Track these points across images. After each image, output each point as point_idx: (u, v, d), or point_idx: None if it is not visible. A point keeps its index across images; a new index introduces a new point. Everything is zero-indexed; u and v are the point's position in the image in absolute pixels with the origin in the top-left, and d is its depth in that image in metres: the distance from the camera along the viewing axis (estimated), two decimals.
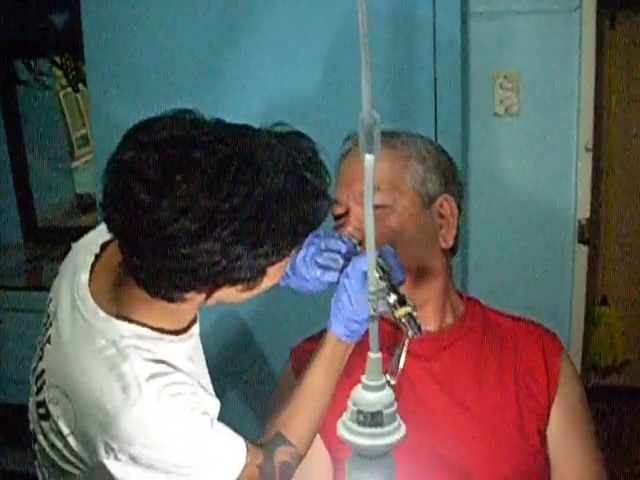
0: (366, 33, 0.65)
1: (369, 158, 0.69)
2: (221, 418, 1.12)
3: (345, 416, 0.74)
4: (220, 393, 1.92)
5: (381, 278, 1.11)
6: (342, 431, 0.74)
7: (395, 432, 0.74)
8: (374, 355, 0.73)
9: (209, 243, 0.92)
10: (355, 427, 0.73)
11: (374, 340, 0.73)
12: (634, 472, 2.85)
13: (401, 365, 1.20)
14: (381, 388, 0.73)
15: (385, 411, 0.73)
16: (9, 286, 2.41)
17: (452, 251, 1.36)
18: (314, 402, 1.17)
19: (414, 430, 1.23)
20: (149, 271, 0.97)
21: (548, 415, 1.31)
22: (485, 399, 1.28)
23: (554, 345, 1.36)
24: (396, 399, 1.22)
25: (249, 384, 1.93)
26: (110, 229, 0.99)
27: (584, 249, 2.36)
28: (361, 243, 1.25)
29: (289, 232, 1.00)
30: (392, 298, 1.10)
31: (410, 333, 1.11)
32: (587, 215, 2.33)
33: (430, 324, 1.33)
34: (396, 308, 1.10)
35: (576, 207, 2.32)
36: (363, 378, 0.73)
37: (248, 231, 0.94)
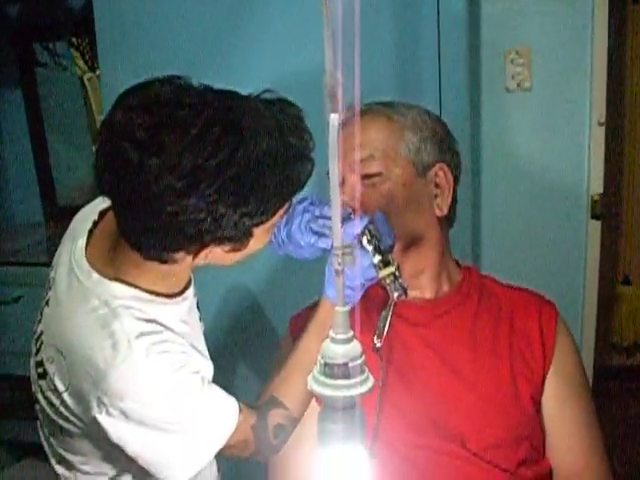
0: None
1: (333, 117, 0.71)
2: (227, 387, 1.15)
3: (315, 369, 0.77)
4: (229, 364, 1.96)
5: (369, 241, 1.14)
6: (312, 384, 0.76)
7: (362, 384, 0.75)
8: (341, 309, 0.75)
9: (194, 200, 0.95)
10: (323, 379, 0.75)
11: (340, 294, 0.75)
12: None
13: (387, 327, 1.22)
14: (348, 341, 0.75)
15: (351, 363, 0.75)
16: (29, 262, 2.48)
17: (449, 221, 1.38)
18: (307, 366, 1.17)
19: (408, 394, 1.27)
20: (138, 230, 1.00)
21: (543, 383, 1.32)
22: (479, 366, 1.30)
23: (551, 314, 1.37)
24: (389, 364, 1.26)
25: (257, 355, 1.96)
26: (102, 189, 1.02)
27: (597, 225, 2.34)
28: (356, 211, 1.27)
29: (273, 193, 1.02)
30: (376, 259, 1.13)
31: (395, 295, 1.14)
32: (600, 190, 2.31)
33: (426, 292, 1.35)
34: (380, 269, 1.13)
35: (589, 182, 2.31)
36: (331, 332, 0.75)
37: (232, 190, 0.97)
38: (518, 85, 2.27)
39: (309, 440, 1.18)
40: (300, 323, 1.29)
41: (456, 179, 1.35)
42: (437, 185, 1.32)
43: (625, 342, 3.32)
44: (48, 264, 2.33)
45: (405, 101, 1.38)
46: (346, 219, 1.19)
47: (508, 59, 2.26)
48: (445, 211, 1.32)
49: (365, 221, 1.15)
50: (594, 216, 2.33)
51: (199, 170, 0.95)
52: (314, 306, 1.25)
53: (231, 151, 0.96)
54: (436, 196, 1.32)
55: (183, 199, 0.95)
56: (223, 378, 1.19)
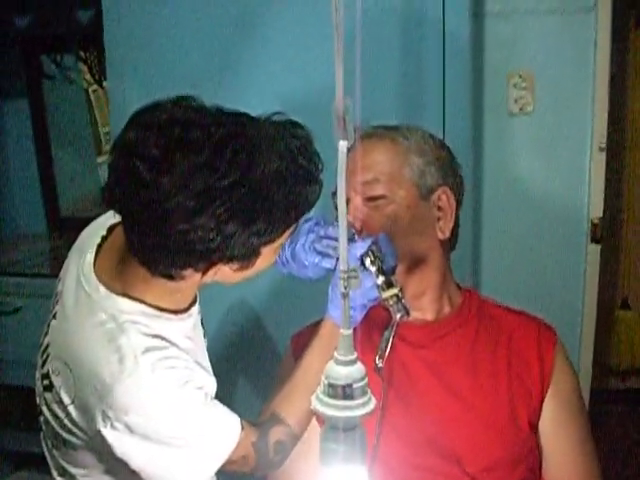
0: (341, 22, 0.68)
1: (342, 144, 0.73)
2: (228, 403, 1.16)
3: (318, 390, 0.78)
4: (230, 381, 1.97)
5: (372, 262, 1.16)
6: (315, 403, 0.78)
7: (365, 405, 0.77)
8: (346, 332, 0.76)
9: (204, 219, 0.97)
10: (327, 400, 0.76)
11: (346, 317, 0.77)
12: None
13: (388, 348, 1.23)
14: (352, 363, 0.77)
15: (355, 385, 0.76)
16: (31, 273, 2.49)
17: (451, 244, 1.39)
18: (310, 384, 1.20)
19: (406, 414, 1.28)
20: (148, 247, 1.02)
21: (540, 407, 1.33)
22: (478, 388, 1.31)
23: (549, 337, 1.38)
24: (389, 385, 1.27)
25: (258, 372, 1.97)
26: (113, 206, 1.04)
27: (597, 249, 2.36)
28: (360, 232, 1.29)
29: (281, 213, 1.04)
30: (380, 280, 1.15)
31: (398, 316, 1.15)
32: (600, 214, 2.33)
33: (427, 314, 1.36)
34: (383, 290, 1.15)
35: (589, 206, 2.32)
36: (335, 353, 0.77)
37: (242, 209, 0.99)
38: (520, 109, 2.29)
39: (308, 457, 1.21)
40: (302, 341, 1.31)
41: (459, 203, 1.37)
42: (440, 208, 1.34)
43: (622, 366, 3.32)
44: (49, 275, 2.36)
45: (409, 124, 1.41)
46: (350, 240, 1.20)
47: (511, 83, 2.28)
48: (447, 234, 1.34)
49: (368, 242, 1.17)
50: (594, 240, 2.34)
51: (210, 190, 0.96)
52: (316, 325, 1.26)
53: (242, 172, 0.98)
54: (439, 219, 1.34)
55: (194, 218, 0.97)
56: (224, 393, 1.20)
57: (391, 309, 1.17)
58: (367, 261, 1.16)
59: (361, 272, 1.16)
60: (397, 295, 1.15)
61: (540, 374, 1.34)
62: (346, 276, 0.75)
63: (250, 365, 2.00)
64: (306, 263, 1.22)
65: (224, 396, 1.18)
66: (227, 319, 1.94)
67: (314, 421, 1.24)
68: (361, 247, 1.17)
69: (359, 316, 1.19)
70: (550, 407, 1.34)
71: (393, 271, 1.20)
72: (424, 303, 1.36)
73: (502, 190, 2.36)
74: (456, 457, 1.26)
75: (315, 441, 1.28)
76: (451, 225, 1.35)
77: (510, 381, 1.32)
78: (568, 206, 2.33)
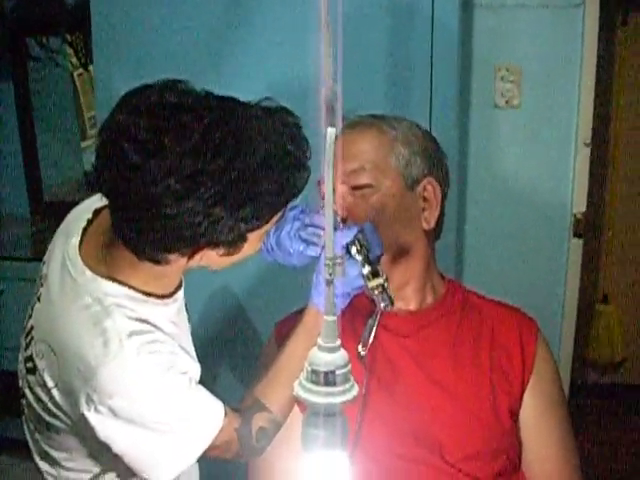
0: (327, 9, 0.68)
1: (330, 131, 0.73)
2: (211, 390, 1.16)
3: (301, 376, 0.78)
4: (212, 367, 1.97)
5: (358, 251, 1.16)
6: (298, 389, 0.78)
7: (347, 392, 0.77)
8: (330, 318, 0.76)
9: (192, 203, 0.97)
10: (309, 386, 0.77)
11: (330, 303, 0.77)
12: (629, 469, 2.88)
13: (372, 336, 1.24)
14: (335, 350, 0.77)
15: (338, 371, 0.76)
16: (13, 257, 2.48)
17: (436, 234, 1.40)
18: (292, 371, 1.20)
19: (388, 403, 1.29)
20: (135, 230, 1.01)
21: (522, 397, 1.35)
22: (460, 378, 1.32)
23: (531, 330, 1.40)
24: (372, 373, 1.28)
25: (240, 359, 1.97)
26: (100, 189, 1.03)
27: (579, 243, 2.38)
28: (345, 221, 1.29)
29: (269, 199, 1.04)
30: (366, 269, 1.15)
31: (382, 305, 1.16)
32: (583, 209, 2.35)
33: (410, 303, 1.37)
34: (369, 279, 1.15)
35: (572, 201, 2.34)
36: (319, 339, 0.77)
37: (230, 194, 0.99)
38: (507, 102, 2.31)
39: (290, 443, 1.21)
40: (285, 328, 1.31)
41: (444, 194, 1.37)
42: (425, 199, 1.34)
43: (601, 360, 3.35)
44: (32, 259, 2.35)
45: (396, 114, 1.41)
46: (335, 228, 1.20)
47: (498, 75, 2.29)
48: (432, 225, 1.34)
49: (354, 231, 1.17)
50: (576, 234, 2.36)
51: (199, 174, 0.96)
52: (300, 312, 1.26)
53: (231, 156, 0.98)
54: (424, 210, 1.34)
55: (181, 202, 0.96)
56: (207, 379, 1.20)
57: (376, 298, 1.17)
58: (353, 249, 1.17)
59: (346, 260, 1.16)
60: (382, 285, 1.16)
61: (521, 364, 1.35)
62: (331, 263, 0.75)
63: (233, 351, 2.00)
64: (291, 251, 1.21)
65: (207, 382, 1.18)
66: (211, 305, 1.94)
67: (296, 408, 1.24)
68: (347, 235, 1.17)
69: (342, 304, 1.20)
70: (531, 397, 1.35)
71: (378, 260, 1.20)
72: (408, 293, 1.36)
73: (487, 182, 2.37)
74: (437, 446, 1.26)
75: (297, 428, 1.30)
76: (436, 215, 1.35)
77: (492, 371, 1.33)
78: (552, 200, 2.35)
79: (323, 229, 1.21)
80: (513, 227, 2.38)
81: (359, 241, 1.17)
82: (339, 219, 1.27)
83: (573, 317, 2.45)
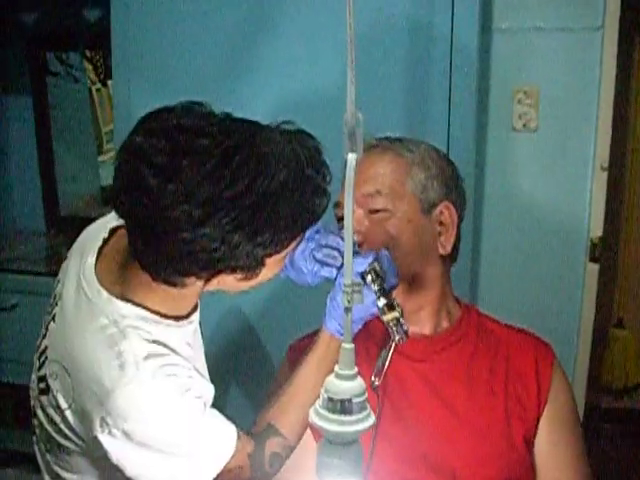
0: (353, 37, 0.68)
1: (351, 157, 0.73)
2: (222, 410, 1.15)
3: (317, 403, 0.78)
4: (223, 388, 1.96)
5: (373, 280, 1.15)
6: (313, 417, 0.77)
7: (363, 420, 0.76)
8: (347, 345, 0.76)
9: (209, 229, 0.96)
10: (325, 414, 0.76)
11: (347, 331, 0.76)
12: None
13: (386, 367, 1.23)
14: (352, 378, 0.76)
15: (355, 400, 0.76)
16: (28, 271, 2.48)
17: (452, 258, 1.39)
18: (306, 395, 1.20)
19: (400, 428, 1.28)
20: (152, 254, 1.01)
21: (537, 425, 1.33)
22: (474, 404, 1.30)
23: (547, 356, 1.38)
24: (385, 397, 1.27)
25: (251, 380, 1.97)
26: (118, 211, 1.03)
27: (595, 268, 2.36)
28: (361, 245, 1.28)
29: (288, 224, 1.03)
30: (381, 302, 1.14)
31: (397, 338, 1.15)
32: (599, 234, 2.33)
33: (425, 328, 1.36)
34: (384, 312, 1.14)
35: (589, 225, 2.33)
36: (336, 367, 0.77)
37: (248, 220, 0.98)
38: (524, 125, 2.30)
39: (300, 469, 1.21)
40: (298, 351, 1.30)
41: (460, 218, 1.37)
42: (442, 223, 1.33)
43: (616, 384, 3.33)
44: (47, 274, 2.36)
45: (414, 137, 1.40)
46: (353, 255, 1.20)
47: (516, 98, 2.29)
48: (448, 249, 1.34)
49: (369, 259, 1.17)
50: (592, 259, 2.34)
51: (217, 199, 0.96)
52: (313, 334, 1.26)
53: (249, 182, 0.97)
54: (440, 234, 1.33)
55: (199, 227, 0.96)
56: (217, 399, 1.20)
57: (390, 330, 1.16)
58: (368, 278, 1.16)
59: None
60: (398, 318, 1.15)
61: (537, 392, 1.34)
62: (350, 290, 0.75)
63: (244, 373, 1.99)
64: (305, 270, 1.21)
65: (218, 402, 1.18)
66: (223, 325, 1.94)
67: (308, 431, 1.24)
68: (361, 263, 1.16)
69: (356, 329, 1.19)
70: (546, 426, 1.33)
71: (393, 289, 1.19)
72: (422, 317, 1.35)
73: (503, 206, 2.36)
74: (450, 473, 1.25)
75: (308, 453, 1.30)
76: (452, 240, 1.34)
77: (507, 398, 1.32)
78: (568, 224, 2.34)
79: (338, 250, 1.20)
80: (529, 251, 2.37)
81: (375, 270, 1.16)
82: (356, 243, 1.27)
83: (588, 341, 2.42)
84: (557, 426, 1.34)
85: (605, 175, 2.30)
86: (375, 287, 1.15)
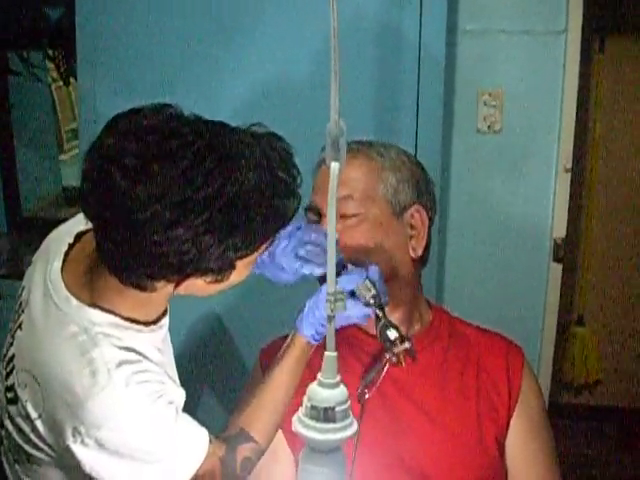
0: (337, 46, 0.68)
1: (334, 166, 0.73)
2: (193, 414, 1.14)
3: (300, 411, 0.78)
4: (194, 391, 1.95)
5: (376, 305, 1.15)
6: (296, 425, 0.77)
7: (346, 428, 0.77)
8: (330, 354, 0.76)
9: (180, 231, 0.95)
10: (308, 422, 0.76)
11: (330, 339, 0.76)
12: None
13: (376, 384, 1.23)
14: (335, 386, 0.77)
15: (338, 408, 0.76)
16: None
17: (422, 261, 1.39)
18: (278, 399, 1.20)
19: (375, 432, 1.28)
20: (121, 257, 0.99)
21: (508, 426, 1.35)
22: (447, 407, 1.31)
23: (517, 358, 1.40)
24: (359, 401, 1.27)
25: (223, 383, 1.96)
26: (86, 213, 1.02)
27: (559, 267, 2.40)
28: (345, 267, 1.28)
29: (259, 227, 1.03)
30: (392, 335, 1.15)
31: (394, 360, 1.16)
32: (563, 234, 2.37)
33: None
34: (396, 345, 1.14)
35: (552, 226, 2.36)
36: (319, 375, 0.77)
37: (219, 222, 0.97)
38: (489, 127, 2.32)
39: (270, 473, 1.21)
40: (271, 355, 1.29)
41: (431, 221, 1.37)
42: (413, 227, 1.33)
43: (576, 381, 3.38)
44: (8, 276, 2.31)
45: (381, 140, 1.40)
46: (342, 271, 1.19)
47: (481, 100, 2.31)
48: (419, 252, 1.34)
49: (357, 277, 1.16)
50: (556, 259, 2.38)
51: (187, 202, 0.95)
52: (285, 338, 1.25)
53: (221, 184, 0.96)
54: (411, 237, 1.33)
55: (170, 229, 0.95)
56: (188, 401, 1.19)
57: (389, 353, 1.17)
58: (371, 301, 1.15)
59: (353, 300, 1.15)
60: (407, 349, 1.15)
61: (508, 392, 1.35)
62: (332, 299, 0.75)
63: (215, 376, 1.98)
64: (285, 267, 1.21)
65: (189, 405, 1.17)
66: (193, 327, 1.93)
67: (278, 436, 1.24)
68: (351, 280, 1.16)
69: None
70: (517, 426, 1.35)
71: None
72: (395, 320, 1.35)
73: (468, 207, 2.38)
74: (424, 475, 1.26)
75: (281, 458, 1.30)
76: (423, 243, 1.34)
77: (478, 400, 1.33)
78: (532, 225, 2.37)
79: (321, 247, 1.20)
80: (494, 251, 2.40)
81: (373, 296, 1.15)
82: (341, 257, 1.26)
83: (552, 339, 2.47)
84: (527, 426, 1.36)
85: (568, 176, 2.33)
86: (380, 313, 1.16)
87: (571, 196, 2.40)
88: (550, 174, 2.34)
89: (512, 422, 1.35)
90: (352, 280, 1.15)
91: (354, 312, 1.16)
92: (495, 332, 1.45)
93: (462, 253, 2.40)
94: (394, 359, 1.17)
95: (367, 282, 1.16)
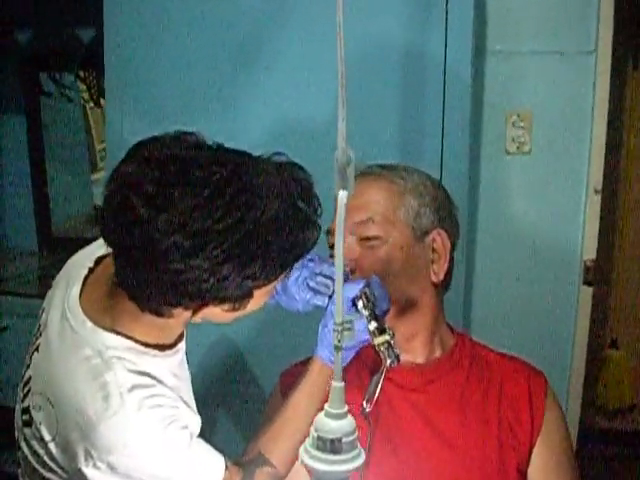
0: (344, 72, 0.68)
1: (342, 194, 0.72)
2: (210, 439, 1.14)
3: (307, 442, 0.77)
4: (211, 416, 1.95)
5: (365, 306, 1.14)
6: (303, 455, 0.76)
7: (353, 460, 0.75)
8: (337, 384, 0.75)
9: (199, 260, 0.95)
10: (315, 452, 0.75)
11: (338, 369, 0.75)
12: None
13: (377, 393, 1.22)
14: (342, 416, 0.75)
15: (344, 439, 0.75)
16: (19, 292, 2.46)
17: (444, 286, 1.38)
18: (297, 424, 1.19)
19: (393, 458, 1.26)
20: (140, 284, 1.00)
21: (530, 454, 1.32)
22: (467, 434, 1.29)
23: (540, 385, 1.37)
24: (377, 427, 1.26)
25: (241, 408, 1.95)
26: (106, 239, 1.02)
27: (589, 290, 2.36)
28: (353, 272, 1.28)
29: (278, 257, 1.02)
30: (372, 326, 1.14)
31: (388, 362, 1.14)
32: (593, 257, 2.33)
33: (418, 356, 1.35)
34: (375, 335, 1.13)
35: (582, 248, 2.33)
36: (326, 406, 0.76)
37: (238, 252, 0.97)
38: (518, 148, 2.30)
39: None
40: (290, 379, 1.29)
41: (453, 245, 1.36)
42: (434, 250, 1.32)
43: (610, 405, 3.32)
44: (38, 296, 2.34)
45: (407, 163, 1.40)
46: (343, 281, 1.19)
47: (509, 121, 2.29)
48: (441, 277, 1.33)
49: (360, 285, 1.16)
50: (586, 282, 2.34)
51: (207, 231, 0.95)
52: (305, 362, 1.25)
53: (242, 214, 0.96)
54: (433, 261, 1.32)
55: (189, 258, 0.95)
56: (205, 428, 1.19)
57: (381, 354, 1.15)
58: (360, 304, 1.15)
59: (352, 314, 1.15)
60: (388, 342, 1.14)
61: (530, 421, 1.33)
62: (340, 329, 0.74)
63: (234, 401, 1.98)
64: (297, 297, 1.21)
65: (206, 431, 1.17)
66: (210, 353, 1.93)
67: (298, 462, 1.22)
68: (353, 289, 1.15)
69: (348, 357, 1.18)
70: (540, 455, 1.32)
71: (385, 314, 1.19)
72: (415, 346, 1.34)
73: (496, 229, 2.35)
74: None
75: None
76: (445, 268, 1.33)
77: (500, 427, 1.31)
78: (562, 247, 2.33)
79: (331, 279, 1.20)
80: (523, 274, 2.36)
81: (366, 295, 1.16)
82: (347, 270, 1.26)
83: (582, 363, 2.42)
84: (550, 455, 1.33)
85: (598, 198, 2.30)
86: (366, 312, 1.15)
87: (602, 217, 2.36)
88: (580, 195, 2.30)
89: (535, 451, 1.32)
90: (350, 289, 1.15)
91: (358, 325, 1.14)
92: (517, 358, 1.43)
93: (491, 276, 2.37)
94: (387, 361, 1.15)
95: (366, 290, 1.16)
